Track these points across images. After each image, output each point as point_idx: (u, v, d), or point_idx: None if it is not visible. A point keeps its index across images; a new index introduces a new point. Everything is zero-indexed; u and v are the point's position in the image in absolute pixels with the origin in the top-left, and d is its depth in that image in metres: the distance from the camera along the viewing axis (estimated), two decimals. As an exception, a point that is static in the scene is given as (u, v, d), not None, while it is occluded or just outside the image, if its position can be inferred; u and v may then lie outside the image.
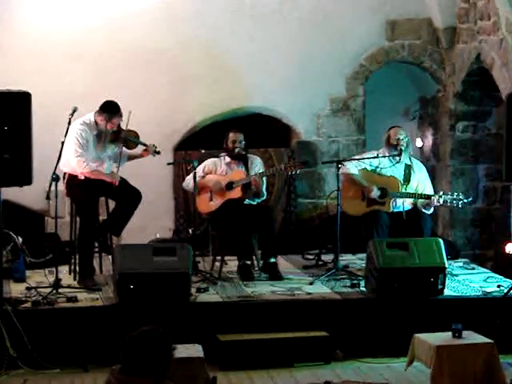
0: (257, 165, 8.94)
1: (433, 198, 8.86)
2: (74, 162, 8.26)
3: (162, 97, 10.21)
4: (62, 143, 8.23)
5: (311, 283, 8.50)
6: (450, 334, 6.95)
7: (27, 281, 8.44)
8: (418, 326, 7.31)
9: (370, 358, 7.64)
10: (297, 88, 10.58)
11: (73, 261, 8.76)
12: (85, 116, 8.34)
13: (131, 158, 8.69)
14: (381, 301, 7.94)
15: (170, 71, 10.26)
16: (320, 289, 8.32)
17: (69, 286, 8.19)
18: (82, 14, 10.05)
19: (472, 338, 6.99)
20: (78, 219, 8.59)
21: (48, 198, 8.51)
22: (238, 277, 8.67)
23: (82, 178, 8.33)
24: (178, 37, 10.23)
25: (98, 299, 7.90)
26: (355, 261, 9.13)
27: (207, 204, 8.84)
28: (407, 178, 9.00)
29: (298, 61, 10.52)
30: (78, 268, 8.52)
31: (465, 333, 6.96)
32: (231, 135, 8.92)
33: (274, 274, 8.66)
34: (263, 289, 8.29)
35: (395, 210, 8.89)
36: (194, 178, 8.66)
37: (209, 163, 8.94)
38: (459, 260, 9.53)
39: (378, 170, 9.04)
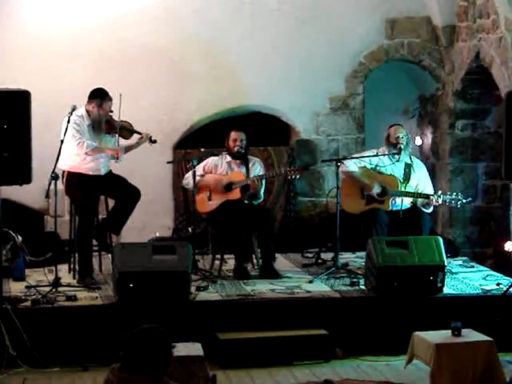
0: (257, 167, 8.95)
1: (432, 197, 8.88)
2: (75, 149, 8.27)
3: (161, 95, 10.22)
4: (61, 142, 8.25)
5: (311, 281, 8.52)
6: (449, 332, 6.96)
7: (27, 279, 8.46)
8: (418, 324, 7.30)
9: (370, 356, 7.65)
10: (296, 86, 10.61)
11: (72, 259, 8.79)
12: (77, 111, 8.38)
13: (128, 149, 8.63)
14: (380, 299, 7.96)
15: (169, 70, 10.28)
16: (319, 287, 8.33)
17: (68, 285, 8.21)
18: (81, 12, 10.06)
19: (471, 336, 7.00)
20: (77, 218, 8.60)
21: (47, 196, 8.53)
22: (234, 276, 8.70)
23: (84, 174, 8.35)
24: (177, 35, 10.25)
25: (97, 298, 7.92)
26: (355, 259, 9.16)
27: (206, 203, 8.86)
28: (407, 177, 9.02)
29: (297, 59, 10.54)
30: (77, 267, 8.54)
31: (464, 331, 6.96)
32: (233, 134, 8.92)
33: (273, 274, 8.68)
34: (263, 287, 8.30)
35: (394, 209, 8.90)
36: (194, 176, 8.71)
37: (209, 162, 8.96)
38: (458, 258, 9.56)
39: (377, 168, 9.06)
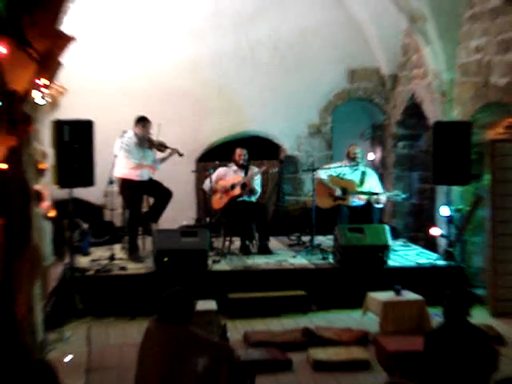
0: (253, 170, 8.95)
1: (380, 194, 8.90)
2: (124, 162, 8.30)
3: (187, 124, 10.19)
4: (115, 156, 8.31)
5: (294, 256, 8.53)
6: (392, 293, 6.99)
7: (91, 255, 8.50)
8: (370, 287, 7.32)
9: (336, 310, 7.66)
10: (283, 117, 10.60)
11: (123, 241, 8.80)
12: (127, 133, 8.43)
13: (163, 160, 8.64)
14: (344, 269, 7.96)
15: (193, 105, 10.26)
16: (300, 261, 8.34)
17: (120, 259, 8.23)
18: (130, 64, 10.07)
19: (408, 295, 7.03)
20: (127, 211, 8.62)
21: (106, 196, 8.65)
22: (239, 253, 8.69)
23: (132, 180, 8.35)
24: (198, 81, 10.25)
25: (141, 268, 7.94)
26: (325, 241, 9.09)
27: (218, 202, 8.84)
28: (362, 181, 9.01)
29: (284, 98, 10.51)
30: (127, 246, 8.54)
31: (403, 292, 7.02)
32: (238, 151, 8.94)
33: (267, 251, 8.69)
34: (259, 261, 8.30)
35: (353, 205, 8.89)
36: (210, 181, 8.75)
37: (220, 171, 8.93)
38: (399, 240, 9.53)
39: (340, 175, 9.04)
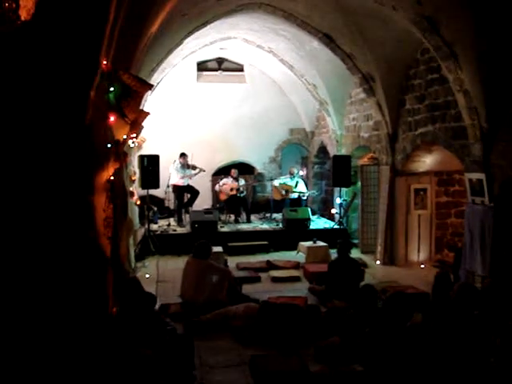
0: (241, 181, 8.85)
1: (306, 193, 8.92)
2: (175, 175, 8.20)
3: (207, 156, 9.95)
4: (169, 173, 8.26)
5: (262, 224, 8.45)
6: (312, 242, 7.01)
7: (158, 224, 8.36)
8: (301, 239, 7.32)
9: (284, 251, 7.61)
10: (257, 152, 10.50)
11: (175, 216, 8.63)
12: (176, 161, 8.31)
13: (195, 174, 8.45)
14: (287, 231, 7.93)
15: (209, 147, 10.08)
16: (265, 226, 8.26)
17: (173, 226, 8.12)
18: (179, 128, 9.94)
19: (320, 243, 7.03)
20: (176, 201, 8.52)
21: (165, 193, 8.63)
22: (234, 222, 8.57)
23: (179, 185, 8.22)
24: (213, 135, 10.13)
25: (184, 230, 7.84)
26: (279, 216, 9.12)
27: (223, 197, 8.70)
28: (296, 186, 9.02)
29: (256, 142, 10.44)
30: (177, 219, 8.41)
31: (317, 241, 7.04)
32: (232, 170, 8.86)
33: (248, 221, 8.59)
34: (244, 226, 8.24)
35: (292, 197, 8.87)
36: (219, 186, 8.64)
37: (224, 180, 8.82)
38: (315, 215, 9.52)
39: (285, 182, 9.04)
